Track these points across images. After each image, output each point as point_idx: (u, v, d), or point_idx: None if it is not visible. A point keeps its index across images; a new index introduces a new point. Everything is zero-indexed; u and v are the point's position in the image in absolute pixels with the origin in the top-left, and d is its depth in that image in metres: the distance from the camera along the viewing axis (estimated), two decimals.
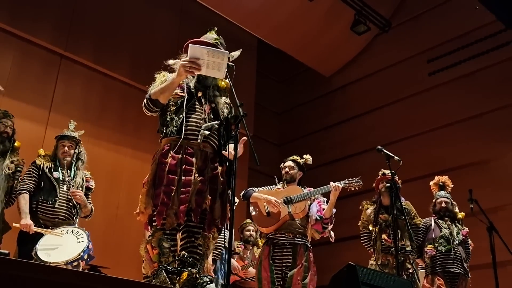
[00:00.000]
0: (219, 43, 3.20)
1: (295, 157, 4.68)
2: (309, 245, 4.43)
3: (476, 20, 7.38)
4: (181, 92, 3.09)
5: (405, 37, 8.36)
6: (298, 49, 8.84)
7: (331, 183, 4.38)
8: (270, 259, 4.32)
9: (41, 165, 4.32)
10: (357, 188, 4.47)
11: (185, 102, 3.05)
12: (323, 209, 4.39)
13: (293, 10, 8.04)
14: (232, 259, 5.46)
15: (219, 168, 3.04)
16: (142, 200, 3.00)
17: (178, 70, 2.98)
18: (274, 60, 9.94)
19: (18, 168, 4.34)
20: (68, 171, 4.42)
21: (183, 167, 2.95)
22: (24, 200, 4.15)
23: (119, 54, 7.31)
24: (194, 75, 3.07)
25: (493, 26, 7.17)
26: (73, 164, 4.44)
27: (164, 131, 3.08)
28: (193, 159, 2.97)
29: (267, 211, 4.40)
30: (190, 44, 2.99)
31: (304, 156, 4.66)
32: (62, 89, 6.70)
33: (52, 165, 4.36)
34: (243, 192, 4.57)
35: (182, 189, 2.92)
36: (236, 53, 3.24)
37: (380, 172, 5.06)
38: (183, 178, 2.94)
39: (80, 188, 4.39)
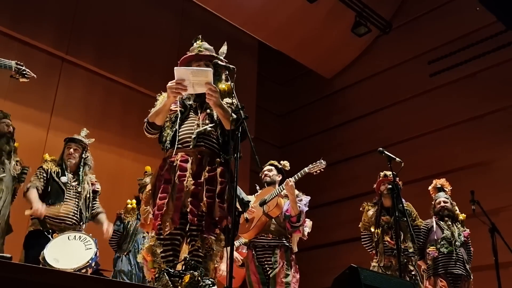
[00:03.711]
0: (203, 49, 3.32)
1: (272, 161, 4.88)
2: (290, 246, 4.49)
3: (477, 21, 7.38)
4: (175, 108, 3.20)
5: (406, 39, 8.36)
6: (299, 51, 8.84)
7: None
8: (256, 262, 4.43)
9: (49, 170, 4.36)
10: (322, 170, 4.58)
11: (178, 115, 3.16)
12: None
13: (294, 12, 8.05)
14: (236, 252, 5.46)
15: (219, 169, 3.07)
16: (141, 211, 3.11)
17: (167, 93, 3.12)
18: (275, 62, 9.94)
19: (24, 171, 4.36)
20: (75, 176, 4.45)
21: (177, 174, 3.03)
22: (33, 192, 4.19)
23: (121, 57, 7.32)
24: (182, 95, 3.19)
25: (493, 27, 7.16)
26: (81, 170, 4.47)
27: (162, 146, 3.21)
28: (187, 165, 3.04)
29: (245, 217, 4.48)
30: (175, 68, 3.08)
31: (282, 162, 4.85)
32: (63, 92, 6.71)
33: (59, 170, 4.40)
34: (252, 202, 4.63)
35: (177, 194, 3.00)
36: (223, 48, 3.38)
37: (382, 174, 5.06)
38: (177, 184, 3.02)
39: (88, 195, 4.42)
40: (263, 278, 4.36)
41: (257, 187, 4.87)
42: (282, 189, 4.48)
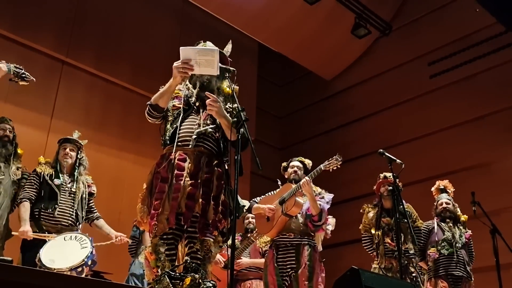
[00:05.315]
0: (208, 46, 3.30)
1: (302, 158, 4.66)
2: (314, 244, 4.33)
3: (477, 22, 7.39)
4: (179, 104, 3.17)
5: (406, 40, 8.36)
6: (298, 53, 8.85)
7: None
8: (275, 263, 4.29)
9: (42, 173, 4.33)
10: (338, 166, 4.33)
11: (181, 112, 3.13)
12: None
13: (294, 14, 8.06)
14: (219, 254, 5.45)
15: (216, 170, 3.05)
16: (138, 209, 3.09)
17: (173, 73, 3.08)
18: (275, 64, 9.96)
19: (24, 175, 4.36)
20: (70, 177, 4.43)
21: (174, 172, 3.00)
22: (24, 208, 4.17)
23: (121, 60, 7.34)
24: (188, 75, 3.15)
25: (493, 28, 7.18)
26: (76, 170, 4.46)
27: (162, 141, 3.17)
28: (185, 164, 3.02)
29: (266, 216, 4.43)
30: (180, 47, 3.06)
31: (306, 160, 4.65)
32: (64, 95, 6.73)
33: (53, 172, 4.37)
34: (247, 206, 4.55)
35: (173, 194, 2.97)
36: (228, 47, 3.36)
37: (381, 175, 5.05)
38: (174, 183, 2.99)
39: (84, 195, 4.42)
40: (279, 281, 4.22)
41: (279, 182, 4.70)
42: (299, 188, 4.29)
